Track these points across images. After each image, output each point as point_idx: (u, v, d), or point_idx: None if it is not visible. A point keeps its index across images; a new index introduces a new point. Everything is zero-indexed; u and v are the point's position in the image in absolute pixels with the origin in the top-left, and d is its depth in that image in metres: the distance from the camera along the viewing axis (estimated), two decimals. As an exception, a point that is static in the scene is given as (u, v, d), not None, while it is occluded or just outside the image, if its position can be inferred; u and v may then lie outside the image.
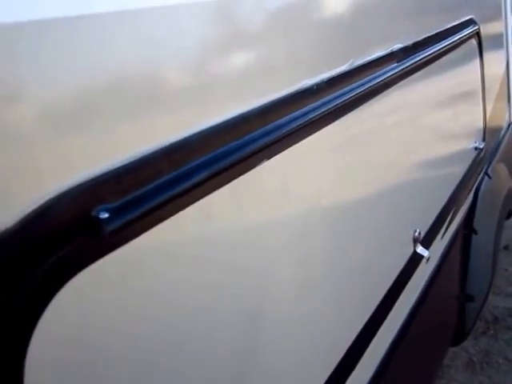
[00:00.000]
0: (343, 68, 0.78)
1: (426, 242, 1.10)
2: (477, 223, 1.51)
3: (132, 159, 0.41)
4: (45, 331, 0.34)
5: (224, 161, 0.51)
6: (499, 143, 1.95)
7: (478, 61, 1.60)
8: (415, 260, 1.05)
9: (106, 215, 0.38)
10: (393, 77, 0.95)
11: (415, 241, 1.05)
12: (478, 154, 1.57)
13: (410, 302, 1.07)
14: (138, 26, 0.42)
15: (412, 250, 1.04)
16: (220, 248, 0.55)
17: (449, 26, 1.36)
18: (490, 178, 1.70)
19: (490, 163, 1.76)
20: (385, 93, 0.94)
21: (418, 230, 1.05)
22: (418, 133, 1.19)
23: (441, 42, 1.26)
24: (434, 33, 1.22)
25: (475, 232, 1.49)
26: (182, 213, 0.46)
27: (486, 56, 1.64)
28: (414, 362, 1.15)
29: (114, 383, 0.42)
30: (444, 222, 1.27)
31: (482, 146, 1.58)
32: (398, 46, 0.96)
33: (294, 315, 0.69)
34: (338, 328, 0.82)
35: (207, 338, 0.53)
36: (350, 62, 0.79)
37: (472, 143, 1.54)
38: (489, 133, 1.74)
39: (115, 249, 0.39)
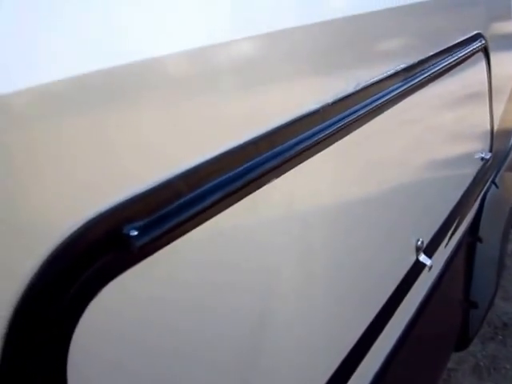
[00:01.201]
0: (349, 90, 0.84)
1: (429, 250, 1.15)
2: (482, 232, 1.55)
3: (155, 184, 0.48)
4: (85, 328, 0.41)
5: (237, 181, 0.58)
6: (508, 152, 2.00)
7: (485, 75, 1.64)
8: (418, 268, 1.10)
9: (135, 233, 0.44)
10: (398, 94, 1.01)
11: (418, 250, 1.10)
12: (485, 165, 1.62)
13: (412, 307, 1.13)
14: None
15: (415, 258, 1.10)
16: (231, 257, 0.61)
17: (454, 42, 1.41)
18: (497, 187, 1.74)
19: (497, 172, 1.80)
20: (391, 110, 1.00)
21: (420, 240, 1.11)
22: (423, 146, 1.25)
23: (446, 58, 1.31)
24: (438, 50, 1.27)
25: (480, 240, 1.54)
26: (199, 228, 0.53)
27: (494, 69, 1.69)
28: (416, 365, 1.20)
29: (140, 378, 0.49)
30: (448, 231, 1.32)
31: (488, 157, 1.62)
32: (402, 65, 1.02)
33: (300, 320, 0.75)
34: (343, 329, 0.88)
35: (227, 334, 0.59)
36: (355, 84, 0.85)
37: (478, 154, 1.59)
38: (497, 143, 1.78)
39: (142, 260, 0.46)
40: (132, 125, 0.46)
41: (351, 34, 0.89)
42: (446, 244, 1.33)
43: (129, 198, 0.45)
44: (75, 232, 0.41)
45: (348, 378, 0.84)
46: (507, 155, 1.91)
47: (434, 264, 1.23)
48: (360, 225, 0.93)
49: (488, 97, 1.67)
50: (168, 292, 0.51)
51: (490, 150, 1.69)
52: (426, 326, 1.19)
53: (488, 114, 1.69)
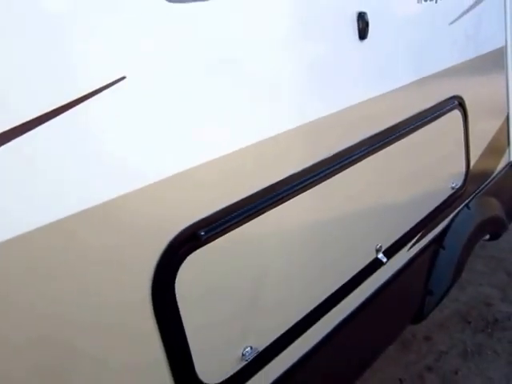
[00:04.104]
0: (325, 156, 1.47)
1: (388, 252, 1.77)
2: (446, 242, 2.14)
3: (211, 212, 1.14)
4: (181, 274, 1.09)
5: (256, 212, 1.24)
6: (490, 181, 2.55)
7: (461, 125, 2.21)
8: (376, 262, 1.72)
9: (203, 233, 1.11)
10: (389, 141, 1.66)
11: (377, 251, 1.73)
12: (456, 192, 2.19)
13: (371, 288, 1.75)
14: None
15: (374, 256, 1.73)
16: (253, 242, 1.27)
17: (434, 103, 2.00)
18: (468, 208, 2.32)
19: (472, 198, 2.38)
20: (382, 152, 1.65)
21: (379, 244, 1.73)
22: (400, 179, 1.85)
23: (429, 114, 1.89)
24: (423, 109, 1.86)
25: (443, 248, 2.13)
26: (235, 230, 1.19)
27: (472, 118, 2.23)
28: (370, 329, 1.81)
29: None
30: (411, 240, 1.93)
31: (458, 186, 2.20)
32: (364, 135, 1.63)
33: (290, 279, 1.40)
34: (323, 287, 1.53)
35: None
36: (329, 152, 1.49)
37: (449, 184, 2.17)
38: (476, 177, 2.36)
39: (206, 245, 1.13)
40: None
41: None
42: (410, 248, 1.94)
43: (201, 218, 1.12)
44: (181, 232, 1.09)
45: (310, 326, 1.48)
46: (483, 185, 2.48)
47: (395, 261, 1.85)
48: (336, 232, 1.57)
49: (464, 143, 2.24)
50: (221, 261, 1.19)
51: (464, 182, 2.26)
52: (384, 301, 1.81)
53: (463, 155, 2.26)
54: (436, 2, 1.89)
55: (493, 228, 2.52)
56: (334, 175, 1.50)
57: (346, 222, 1.60)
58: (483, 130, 2.45)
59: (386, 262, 1.74)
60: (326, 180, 1.48)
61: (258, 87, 1.24)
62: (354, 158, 1.58)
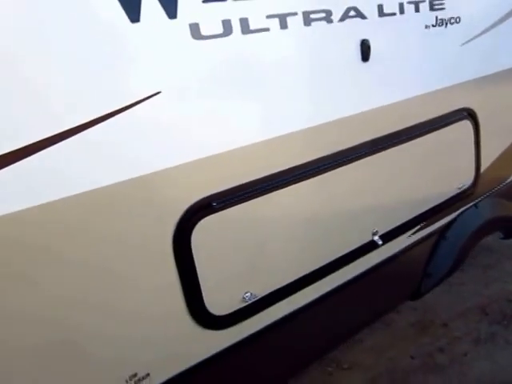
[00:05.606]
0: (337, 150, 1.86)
1: (385, 236, 2.13)
2: (448, 234, 2.46)
3: (224, 188, 1.56)
4: (196, 232, 1.53)
5: (263, 192, 1.65)
6: (503, 186, 2.83)
7: (472, 133, 2.50)
8: (372, 243, 2.09)
9: (215, 204, 1.54)
10: (401, 141, 2.05)
11: (373, 234, 2.10)
12: (463, 192, 2.50)
13: (365, 265, 2.12)
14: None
15: (371, 238, 2.09)
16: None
17: (444, 113, 2.32)
18: (476, 207, 2.62)
19: (481, 199, 2.67)
20: (396, 149, 2.03)
21: (375, 229, 2.10)
22: (397, 176, 2.19)
23: (425, 127, 2.22)
24: (414, 123, 2.19)
25: (445, 239, 2.45)
26: (244, 203, 1.61)
27: (485, 128, 2.50)
28: (359, 301, 2.18)
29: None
30: (410, 229, 2.27)
31: (466, 187, 2.50)
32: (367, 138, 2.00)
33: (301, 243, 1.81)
34: (317, 258, 1.92)
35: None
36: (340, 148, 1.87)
37: (456, 185, 2.47)
38: (487, 179, 2.65)
39: (220, 211, 1.56)
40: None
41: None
42: (410, 235, 2.29)
43: (214, 193, 1.54)
44: (199, 200, 1.51)
45: (305, 286, 1.88)
46: (494, 189, 2.76)
47: (393, 244, 2.20)
48: (339, 215, 1.95)
49: (474, 150, 2.54)
50: (231, 224, 1.61)
51: (473, 184, 2.56)
52: (382, 276, 2.17)
53: (474, 161, 2.55)
54: (446, 27, 2.20)
55: (502, 227, 2.80)
56: (343, 166, 1.89)
57: (348, 206, 1.98)
58: (497, 140, 2.72)
59: (382, 244, 2.10)
60: (336, 169, 1.87)
61: (274, 98, 1.64)
62: (359, 154, 1.95)
